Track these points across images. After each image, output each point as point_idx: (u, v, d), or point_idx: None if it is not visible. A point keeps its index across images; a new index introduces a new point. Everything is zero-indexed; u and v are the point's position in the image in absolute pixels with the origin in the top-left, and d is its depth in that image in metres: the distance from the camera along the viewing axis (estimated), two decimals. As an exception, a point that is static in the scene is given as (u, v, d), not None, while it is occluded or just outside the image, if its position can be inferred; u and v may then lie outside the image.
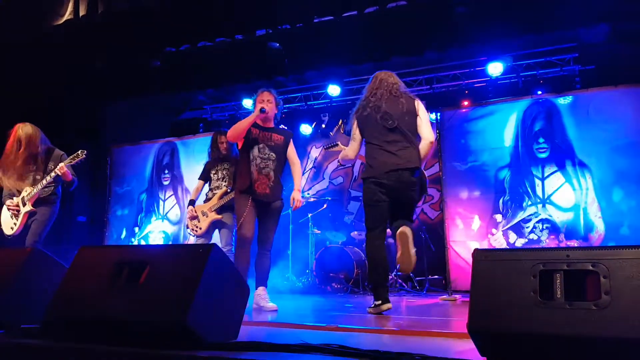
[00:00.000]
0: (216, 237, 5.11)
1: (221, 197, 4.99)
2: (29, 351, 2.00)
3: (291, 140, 4.36)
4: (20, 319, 2.36)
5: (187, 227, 5.21)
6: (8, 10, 5.76)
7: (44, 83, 6.47)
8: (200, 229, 5.04)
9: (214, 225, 5.04)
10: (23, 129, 4.51)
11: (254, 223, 4.07)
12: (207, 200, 5.12)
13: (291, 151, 4.33)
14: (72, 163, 4.41)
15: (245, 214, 4.00)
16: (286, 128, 5.00)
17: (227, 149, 5.15)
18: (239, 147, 4.27)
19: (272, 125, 4.31)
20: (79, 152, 4.44)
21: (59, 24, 5.65)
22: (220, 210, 4.99)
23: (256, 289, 3.99)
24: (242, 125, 4.11)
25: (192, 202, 5.15)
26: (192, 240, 5.57)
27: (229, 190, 4.98)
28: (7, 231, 4.50)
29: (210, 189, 5.14)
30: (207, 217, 5.02)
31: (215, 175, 5.14)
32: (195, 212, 5.07)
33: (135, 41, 6.26)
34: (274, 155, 4.17)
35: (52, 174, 4.37)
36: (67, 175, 4.37)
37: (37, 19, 5.73)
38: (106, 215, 7.92)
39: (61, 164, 4.34)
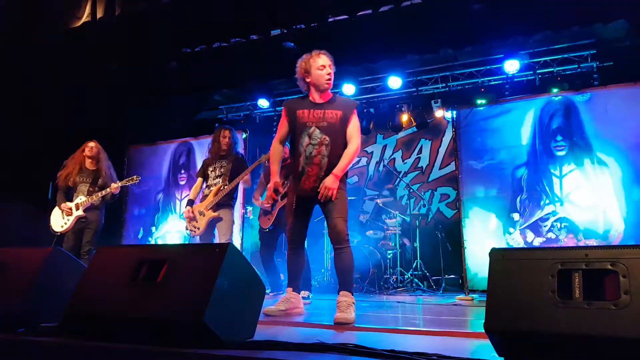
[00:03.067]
0: (217, 237, 5.01)
1: (216, 194, 4.89)
2: (49, 349, 2.03)
3: (354, 113, 3.45)
4: (40, 317, 2.40)
5: (186, 229, 5.09)
6: (27, 13, 5.85)
7: (62, 84, 6.57)
8: (199, 229, 4.92)
9: (212, 223, 4.92)
10: (93, 149, 5.41)
11: (301, 223, 3.52)
12: (203, 198, 5.02)
13: (352, 126, 3.42)
14: (125, 184, 5.33)
15: (288, 213, 3.54)
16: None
17: (228, 144, 5.07)
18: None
19: (326, 97, 3.46)
20: (134, 177, 5.33)
21: (77, 26, 5.73)
22: (216, 207, 4.89)
23: (338, 294, 3.25)
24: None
25: (190, 203, 5.04)
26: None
27: (224, 187, 4.90)
28: (57, 228, 5.21)
29: (207, 186, 5.04)
30: (204, 216, 4.91)
31: (213, 173, 5.04)
32: (193, 212, 4.95)
33: (151, 43, 6.32)
34: (327, 138, 3.34)
35: (107, 191, 5.22)
36: (117, 190, 5.24)
37: (56, 22, 5.81)
38: (123, 215, 8.00)
39: (117, 184, 5.24)
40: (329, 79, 3.42)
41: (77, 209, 5.21)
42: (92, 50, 6.22)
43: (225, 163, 5.04)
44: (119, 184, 5.26)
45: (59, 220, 5.23)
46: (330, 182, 3.29)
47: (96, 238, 5.24)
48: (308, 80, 3.47)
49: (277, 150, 3.60)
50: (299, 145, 3.40)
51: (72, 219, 5.19)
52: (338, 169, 3.34)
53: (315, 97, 3.46)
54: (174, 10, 5.76)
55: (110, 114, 7.31)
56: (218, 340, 1.90)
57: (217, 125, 8.77)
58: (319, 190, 3.32)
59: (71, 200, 5.27)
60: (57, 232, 5.19)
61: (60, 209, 5.23)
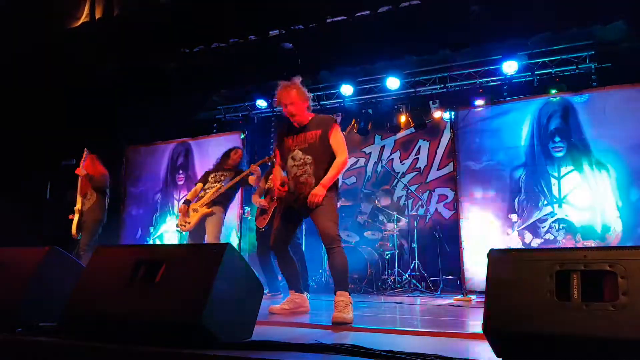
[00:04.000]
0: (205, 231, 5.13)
1: (214, 193, 5.05)
2: (46, 349, 2.03)
3: (333, 127, 3.57)
4: (38, 317, 2.39)
5: (177, 225, 5.27)
6: (27, 13, 5.84)
7: (61, 84, 6.56)
8: (189, 223, 5.06)
9: (203, 220, 5.06)
10: (95, 164, 5.73)
11: (285, 230, 3.63)
12: (199, 199, 5.16)
13: (333, 140, 3.54)
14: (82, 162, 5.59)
15: (275, 218, 3.74)
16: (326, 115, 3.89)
17: (236, 161, 5.32)
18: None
19: (305, 121, 3.62)
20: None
21: (75, 26, 5.73)
22: (211, 204, 5.04)
23: (334, 293, 3.31)
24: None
25: (187, 202, 5.21)
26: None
27: (222, 186, 5.06)
28: (73, 232, 5.55)
29: (204, 189, 5.21)
30: (197, 212, 5.06)
31: (213, 179, 5.23)
32: (187, 209, 5.13)
33: (149, 43, 6.31)
34: (310, 157, 3.50)
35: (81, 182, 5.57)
36: (81, 172, 5.51)
37: (54, 22, 5.81)
38: (122, 215, 7.99)
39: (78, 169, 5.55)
40: (292, 116, 3.59)
41: (75, 211, 5.58)
42: (91, 51, 6.22)
43: (227, 173, 5.25)
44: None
45: (74, 225, 5.61)
46: (317, 190, 3.41)
47: (93, 237, 5.52)
48: (307, 104, 3.70)
49: (278, 172, 3.78)
50: (286, 169, 3.63)
51: (75, 219, 5.55)
52: (326, 179, 3.46)
53: (296, 122, 3.64)
54: (172, 11, 5.75)
55: (108, 114, 7.30)
56: (216, 341, 1.90)
57: (215, 125, 8.81)
58: (308, 202, 3.43)
59: None
60: (74, 237, 5.57)
61: (70, 218, 5.61)
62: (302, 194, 3.47)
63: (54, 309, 2.30)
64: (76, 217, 5.54)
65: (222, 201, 5.11)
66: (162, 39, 6.27)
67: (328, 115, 3.77)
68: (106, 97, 7.15)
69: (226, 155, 5.40)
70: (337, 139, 3.57)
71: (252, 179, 5.19)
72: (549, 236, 5.58)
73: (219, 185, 5.10)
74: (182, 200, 5.33)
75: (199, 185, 5.31)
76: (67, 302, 2.23)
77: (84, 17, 5.68)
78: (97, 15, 5.64)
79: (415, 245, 6.88)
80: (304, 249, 7.01)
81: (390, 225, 7.03)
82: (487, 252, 1.89)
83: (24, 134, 6.55)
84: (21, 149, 6.66)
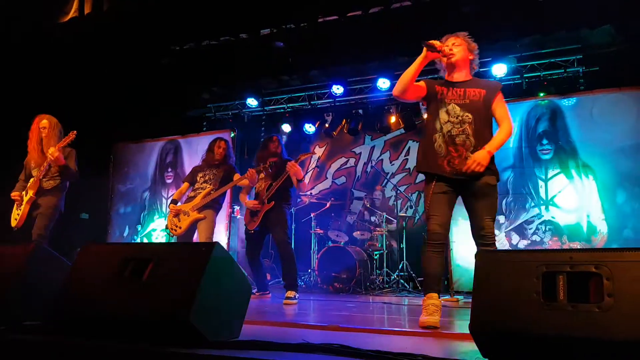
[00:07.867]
0: (196, 238, 5.00)
1: (204, 197, 4.92)
2: (31, 348, 2.00)
3: (500, 92, 3.14)
4: (22, 316, 2.36)
5: (166, 227, 5.08)
6: (13, 8, 5.78)
7: (48, 80, 6.49)
8: (180, 228, 4.94)
9: (194, 225, 4.95)
10: (42, 121, 4.66)
11: (447, 213, 3.09)
12: (188, 201, 5.05)
13: (499, 106, 3.11)
14: (63, 145, 4.41)
15: (429, 203, 3.05)
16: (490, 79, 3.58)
17: (222, 155, 5.13)
18: (425, 109, 3.25)
19: (466, 77, 3.19)
20: (70, 133, 4.43)
21: (64, 21, 5.67)
22: (202, 209, 4.93)
23: (428, 295, 3.09)
24: (406, 74, 3.19)
25: (174, 202, 5.08)
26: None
27: (212, 191, 4.94)
28: (12, 222, 4.54)
29: (193, 189, 5.08)
30: (188, 216, 4.94)
31: (202, 178, 5.09)
32: (178, 209, 5.00)
33: (139, 39, 6.27)
34: (469, 116, 3.03)
35: (47, 160, 4.42)
36: (60, 160, 4.38)
37: (43, 17, 5.74)
38: (109, 213, 7.93)
39: (52, 149, 4.36)
40: (451, 59, 3.20)
41: (27, 193, 4.47)
42: (79, 46, 6.16)
43: (216, 171, 5.08)
44: (57, 146, 4.38)
45: (14, 212, 4.51)
46: (481, 156, 2.91)
47: (50, 224, 4.46)
48: (471, 57, 3.22)
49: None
50: (436, 123, 3.09)
51: (23, 206, 4.45)
52: (493, 144, 2.97)
53: (449, 75, 3.24)
54: (162, 7, 5.71)
55: (96, 110, 7.23)
56: (203, 340, 1.89)
57: (205, 123, 8.77)
58: (465, 170, 2.94)
59: None
60: (15, 227, 4.45)
61: (12, 197, 4.54)
62: (459, 157, 2.98)
63: (39, 307, 2.28)
64: (26, 198, 4.42)
65: (214, 205, 5.01)
66: (152, 35, 6.23)
67: (495, 81, 3.34)
68: (94, 93, 7.08)
69: (210, 150, 5.22)
70: (504, 106, 3.14)
71: (244, 182, 5.06)
72: (535, 238, 5.62)
73: (209, 188, 4.97)
74: (170, 200, 5.20)
75: (186, 184, 5.18)
76: (54, 300, 2.20)
77: (72, 13, 5.63)
78: (87, 11, 5.59)
79: (403, 245, 6.91)
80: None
81: (379, 226, 7.05)
82: (475, 253, 1.90)
83: (10, 129, 6.48)
84: (9, 145, 6.58)
